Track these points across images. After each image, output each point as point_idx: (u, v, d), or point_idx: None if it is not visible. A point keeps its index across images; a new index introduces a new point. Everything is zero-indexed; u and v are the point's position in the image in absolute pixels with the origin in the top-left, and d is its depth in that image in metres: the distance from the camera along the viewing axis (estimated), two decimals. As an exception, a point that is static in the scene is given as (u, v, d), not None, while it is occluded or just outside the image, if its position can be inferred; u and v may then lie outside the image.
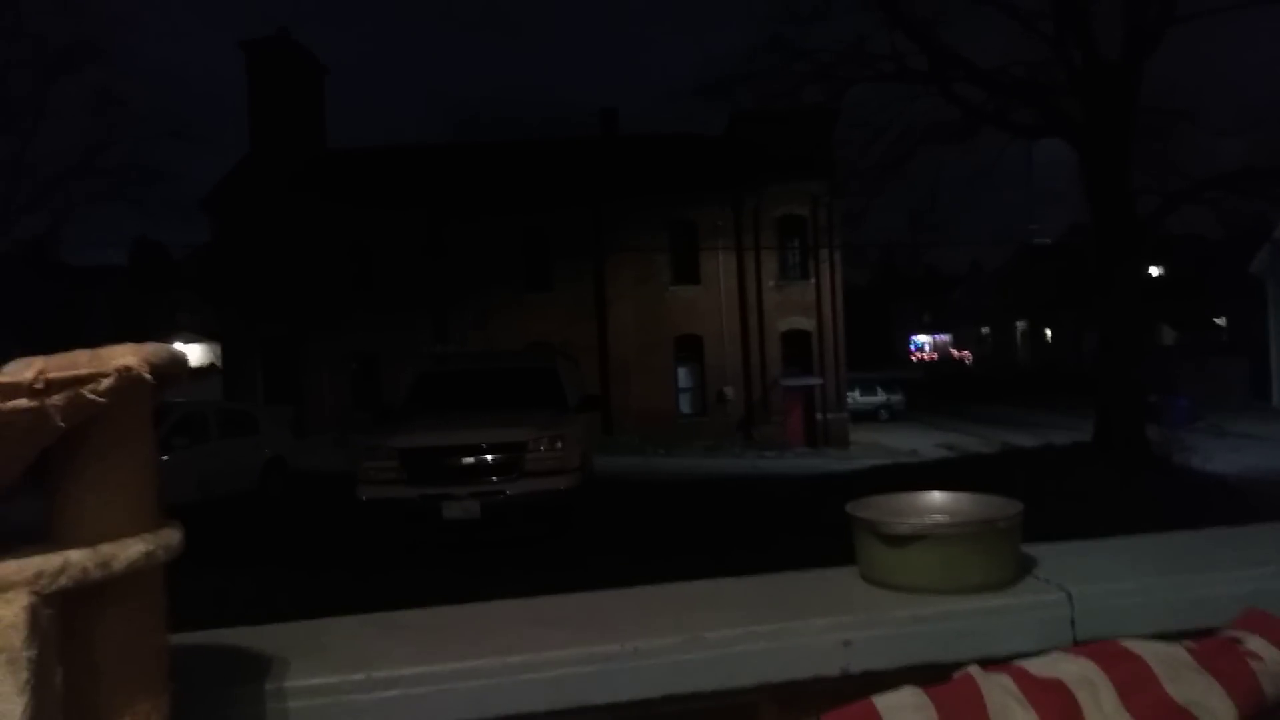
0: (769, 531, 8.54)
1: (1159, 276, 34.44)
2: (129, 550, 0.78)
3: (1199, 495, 10.91)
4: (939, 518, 1.27)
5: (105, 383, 0.74)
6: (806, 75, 15.25)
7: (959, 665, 1.09)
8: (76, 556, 0.74)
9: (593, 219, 27.41)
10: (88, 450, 0.77)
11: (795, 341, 28.32)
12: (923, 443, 25.97)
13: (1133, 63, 13.35)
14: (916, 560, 1.18)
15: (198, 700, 0.92)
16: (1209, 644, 1.06)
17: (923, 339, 68.40)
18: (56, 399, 0.71)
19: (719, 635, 1.08)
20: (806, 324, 28.24)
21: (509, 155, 28.77)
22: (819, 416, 28.09)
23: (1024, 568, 1.24)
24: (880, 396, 36.27)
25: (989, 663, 1.08)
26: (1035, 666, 1.04)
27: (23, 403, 0.69)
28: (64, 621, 0.74)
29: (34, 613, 0.70)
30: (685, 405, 28.69)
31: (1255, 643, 1.04)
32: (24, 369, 0.72)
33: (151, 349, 0.80)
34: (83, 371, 0.73)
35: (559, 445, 8.98)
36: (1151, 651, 1.03)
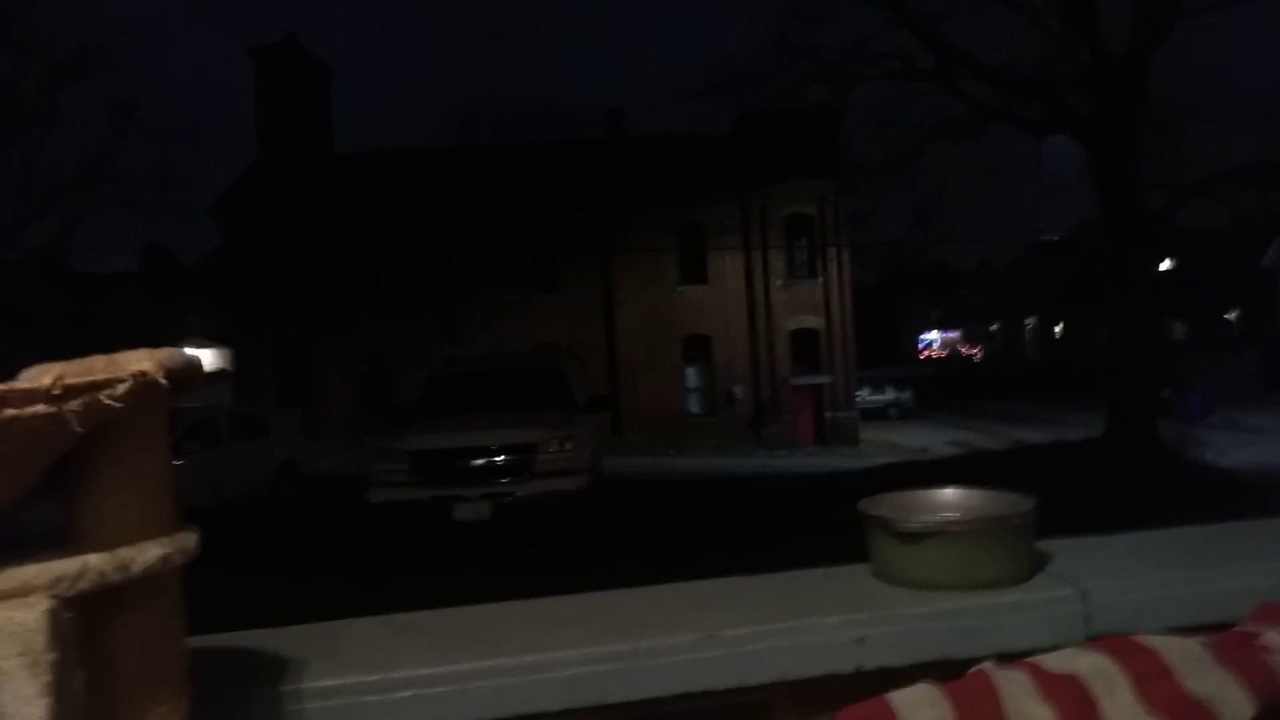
0: (783, 530, 8.53)
1: (1169, 271, 34.25)
2: (147, 554, 0.78)
3: (1212, 489, 10.85)
4: (951, 515, 1.26)
5: (122, 388, 0.74)
6: (812, 74, 15.24)
7: (973, 661, 1.08)
8: (95, 560, 0.75)
9: (600, 220, 27.44)
10: (105, 455, 0.78)
11: (804, 340, 28.29)
12: (933, 440, 25.91)
13: (1141, 57, 13.29)
14: (929, 557, 1.18)
15: (216, 702, 0.93)
16: (1225, 638, 1.06)
17: (932, 336, 68.14)
18: (74, 405, 0.72)
19: (732, 633, 1.09)
20: (815, 322, 28.21)
21: (515, 157, 28.82)
22: (828, 415, 28.06)
23: (1037, 564, 1.24)
24: (890, 394, 36.20)
25: (1003, 658, 1.08)
26: (1050, 662, 1.04)
27: (41, 409, 0.70)
28: (84, 625, 0.74)
29: (54, 616, 0.71)
30: (694, 405, 28.70)
31: (1272, 636, 1.03)
32: (42, 375, 0.73)
33: (166, 354, 0.80)
34: (99, 377, 0.74)
35: (568, 446, 9.01)
36: (1167, 645, 1.03)
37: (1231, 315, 35.71)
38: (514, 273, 27.37)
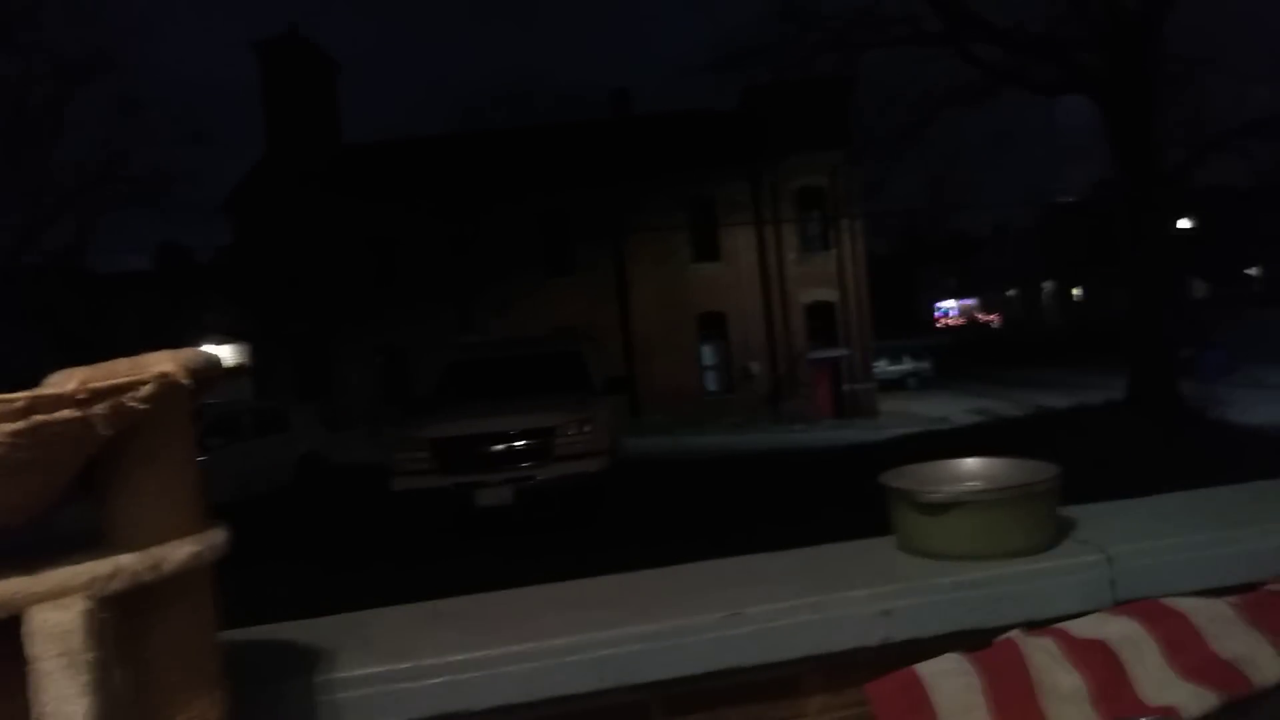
0: (807, 506, 8.53)
1: (1190, 229, 33.81)
2: (178, 552, 0.79)
3: (1237, 449, 10.75)
4: (975, 484, 1.26)
5: (146, 390, 0.75)
6: (819, 44, 15.05)
7: (1000, 630, 1.09)
8: (128, 560, 0.76)
9: (610, 201, 27.35)
10: (133, 457, 0.79)
11: (819, 313, 28.16)
12: (953, 409, 25.79)
13: (1155, 11, 13.05)
14: (954, 528, 1.18)
15: (251, 696, 0.95)
16: (1253, 598, 1.05)
17: (949, 304, 67.67)
18: (99, 408, 0.73)
19: (759, 610, 1.09)
20: (830, 295, 28.06)
21: (523, 141, 28.75)
22: (846, 387, 27.97)
23: (1062, 530, 1.24)
24: (908, 364, 36.02)
25: (1031, 626, 1.08)
26: (1078, 628, 1.04)
27: (67, 413, 0.71)
28: (120, 624, 0.76)
29: (91, 616, 0.72)
30: (711, 383, 28.67)
31: (1301, 596, 1.03)
32: (66, 380, 0.74)
33: (188, 354, 0.81)
34: (123, 380, 0.75)
35: (587, 429, 9.04)
36: (1195, 608, 1.02)
37: (1254, 272, 35.24)
38: (527, 257, 27.37)
